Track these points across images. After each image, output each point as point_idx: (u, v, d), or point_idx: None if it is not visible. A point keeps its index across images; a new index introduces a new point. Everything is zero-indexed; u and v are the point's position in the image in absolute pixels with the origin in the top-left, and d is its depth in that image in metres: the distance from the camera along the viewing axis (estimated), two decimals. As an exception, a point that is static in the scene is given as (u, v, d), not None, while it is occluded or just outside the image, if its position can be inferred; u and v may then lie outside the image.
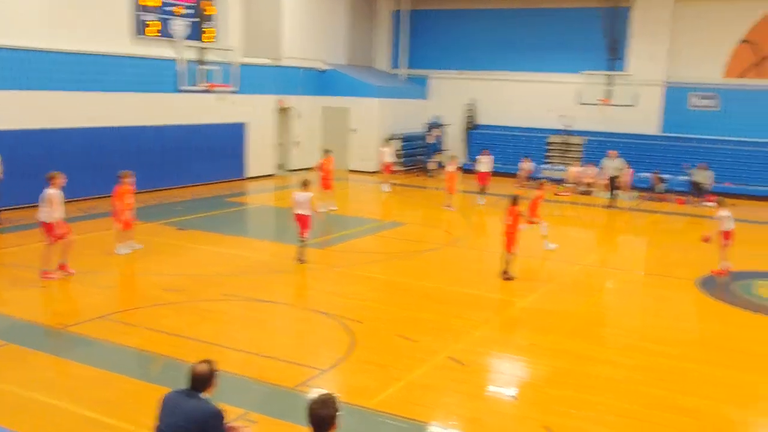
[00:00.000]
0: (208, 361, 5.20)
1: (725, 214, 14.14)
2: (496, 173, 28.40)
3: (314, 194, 14.21)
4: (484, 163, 22.79)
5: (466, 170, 30.00)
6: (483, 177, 22.61)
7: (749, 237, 19.02)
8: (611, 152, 23.17)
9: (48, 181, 12.10)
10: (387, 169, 24.52)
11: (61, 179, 12.14)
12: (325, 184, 19.63)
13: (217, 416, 5.02)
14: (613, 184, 22.60)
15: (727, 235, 14.03)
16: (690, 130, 27.38)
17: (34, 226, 16.19)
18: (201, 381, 5.09)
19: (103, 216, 17.86)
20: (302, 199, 13.74)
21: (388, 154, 24.57)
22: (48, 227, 12.12)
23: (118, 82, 20.53)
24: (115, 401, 7.76)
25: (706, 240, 14.34)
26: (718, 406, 8.26)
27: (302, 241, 13.92)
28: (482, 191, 22.40)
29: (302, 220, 13.82)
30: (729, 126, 26.83)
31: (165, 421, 5.04)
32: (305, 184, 13.96)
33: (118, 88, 20.53)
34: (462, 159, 30.20)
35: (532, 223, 15.39)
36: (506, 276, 13.22)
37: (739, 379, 9.11)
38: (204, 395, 5.11)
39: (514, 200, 13.27)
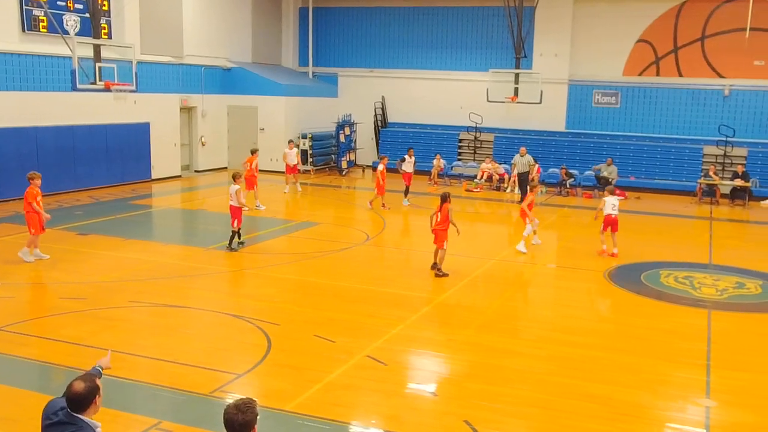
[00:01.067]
0: (84, 378, 4.50)
1: (610, 201, 15.49)
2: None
3: (240, 187, 14.92)
4: (410, 163, 22.28)
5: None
6: (408, 177, 22.10)
7: (654, 228, 19.82)
8: (522, 149, 23.59)
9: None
10: (290, 170, 23.28)
11: None
12: (249, 183, 19.19)
13: None
14: (523, 180, 23.02)
15: (608, 219, 15.39)
16: (593, 127, 28.30)
17: None
18: (78, 402, 4.43)
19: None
20: (231, 191, 14.80)
21: (291, 155, 23.30)
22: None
23: (8, 80, 19.42)
24: (12, 416, 7.30)
25: (596, 218, 15.99)
26: (626, 392, 8.47)
27: (233, 231, 14.81)
28: (407, 191, 21.93)
29: (231, 212, 14.80)
30: (629, 122, 27.88)
31: None
32: (234, 177, 15.00)
33: (9, 87, 19.44)
34: (374, 157, 30.32)
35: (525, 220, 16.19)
36: (438, 272, 13.37)
37: (646, 366, 9.36)
38: (84, 417, 4.47)
39: (445, 197, 13.47)
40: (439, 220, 13.39)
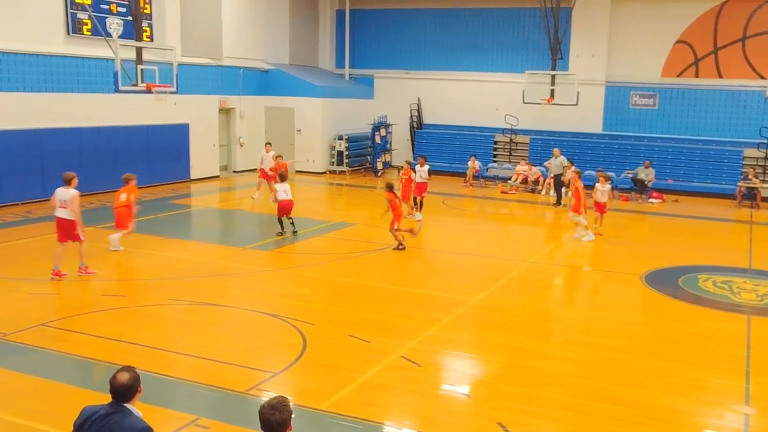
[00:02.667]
0: (128, 369, 4.71)
1: (601, 188, 17.62)
2: (444, 172, 28.67)
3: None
4: (423, 172, 19.15)
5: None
6: (421, 187, 19.14)
7: (692, 232, 19.56)
8: (555, 150, 23.51)
9: (68, 182, 12.33)
10: (264, 174, 21.27)
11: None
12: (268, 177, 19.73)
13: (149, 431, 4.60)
14: (557, 182, 22.91)
15: (601, 206, 17.73)
16: (630, 129, 28.00)
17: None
18: (124, 392, 4.62)
19: (41, 221, 17.32)
20: (280, 189, 16.47)
21: (269, 159, 21.25)
22: (71, 225, 12.26)
23: (54, 81, 19.94)
24: (53, 411, 7.49)
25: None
26: (661, 396, 8.39)
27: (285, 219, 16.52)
28: (421, 204, 19.35)
29: (284, 205, 16.37)
30: (667, 124, 27.53)
31: None
32: (282, 177, 16.68)
33: (54, 88, 19.95)
34: (409, 158, 30.36)
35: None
36: (400, 247, 15.36)
37: (682, 370, 9.26)
38: (130, 405, 4.67)
39: (390, 187, 15.60)
40: (393, 205, 15.37)
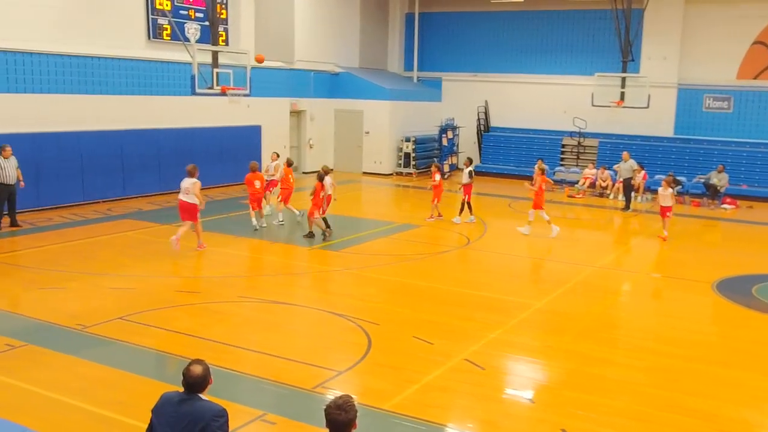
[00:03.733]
0: (200, 362, 4.94)
1: (663, 193, 17.62)
2: (510, 175, 28.55)
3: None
4: (468, 174, 19.18)
5: (478, 172, 30.08)
6: (467, 189, 19.01)
7: (767, 239, 18.95)
8: (624, 154, 23.12)
9: (191, 174, 14.73)
10: (272, 185, 19.20)
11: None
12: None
13: (224, 413, 4.86)
14: (627, 186, 22.53)
15: (664, 210, 17.64)
16: (702, 132, 27.28)
17: (50, 228, 16.50)
18: (198, 383, 4.86)
19: (121, 218, 18.08)
20: (327, 182, 16.58)
21: (273, 167, 19.35)
22: (192, 207, 14.67)
23: (134, 84, 20.75)
24: (130, 401, 7.85)
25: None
26: (732, 408, 8.23)
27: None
28: (470, 207, 19.10)
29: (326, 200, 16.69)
30: (742, 128, 26.71)
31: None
32: (327, 172, 16.84)
33: (134, 91, 20.77)
34: (476, 161, 30.39)
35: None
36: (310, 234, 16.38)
37: (754, 382, 9.07)
38: (202, 395, 4.91)
39: (319, 177, 16.35)
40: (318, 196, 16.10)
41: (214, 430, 4.72)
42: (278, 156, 19.81)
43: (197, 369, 4.87)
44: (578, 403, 8.19)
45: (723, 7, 26.41)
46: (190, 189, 14.70)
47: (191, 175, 14.77)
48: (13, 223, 16.54)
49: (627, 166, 22.76)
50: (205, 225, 17.48)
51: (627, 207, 22.45)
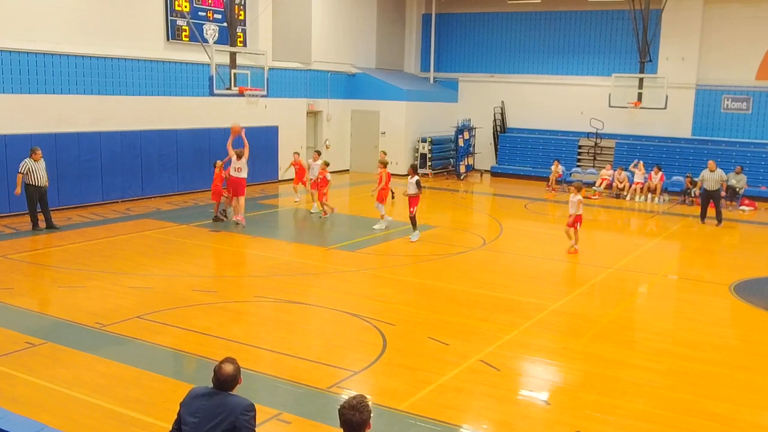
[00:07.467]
0: (231, 360, 5.04)
1: (574, 199, 15.54)
2: (525, 176, 28.50)
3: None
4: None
5: (495, 173, 30.08)
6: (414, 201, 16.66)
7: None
8: (710, 163, 20.62)
9: (239, 156, 17.09)
10: (314, 185, 19.48)
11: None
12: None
13: (253, 408, 4.99)
14: (716, 199, 20.48)
15: (576, 218, 15.61)
16: (721, 133, 27.06)
17: (74, 227, 16.67)
18: (229, 382, 4.99)
19: (140, 217, 18.23)
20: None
21: (315, 168, 19.36)
22: (241, 183, 17.00)
23: (153, 85, 20.92)
24: (148, 399, 7.93)
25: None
26: (751, 412, 8.18)
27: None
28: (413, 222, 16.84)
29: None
30: (761, 129, 26.48)
31: (201, 426, 4.89)
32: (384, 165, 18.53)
33: (153, 92, 20.94)
34: (492, 162, 30.44)
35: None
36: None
37: (774, 386, 8.99)
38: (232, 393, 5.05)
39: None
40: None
41: (243, 424, 4.84)
42: (319, 155, 20.38)
43: (228, 368, 4.97)
44: (595, 406, 8.16)
45: (742, 7, 26.17)
46: (242, 166, 17.01)
47: (240, 157, 17.04)
48: (49, 225, 16.37)
49: (715, 177, 19.96)
50: (223, 224, 17.67)
51: (719, 221, 19.95)
